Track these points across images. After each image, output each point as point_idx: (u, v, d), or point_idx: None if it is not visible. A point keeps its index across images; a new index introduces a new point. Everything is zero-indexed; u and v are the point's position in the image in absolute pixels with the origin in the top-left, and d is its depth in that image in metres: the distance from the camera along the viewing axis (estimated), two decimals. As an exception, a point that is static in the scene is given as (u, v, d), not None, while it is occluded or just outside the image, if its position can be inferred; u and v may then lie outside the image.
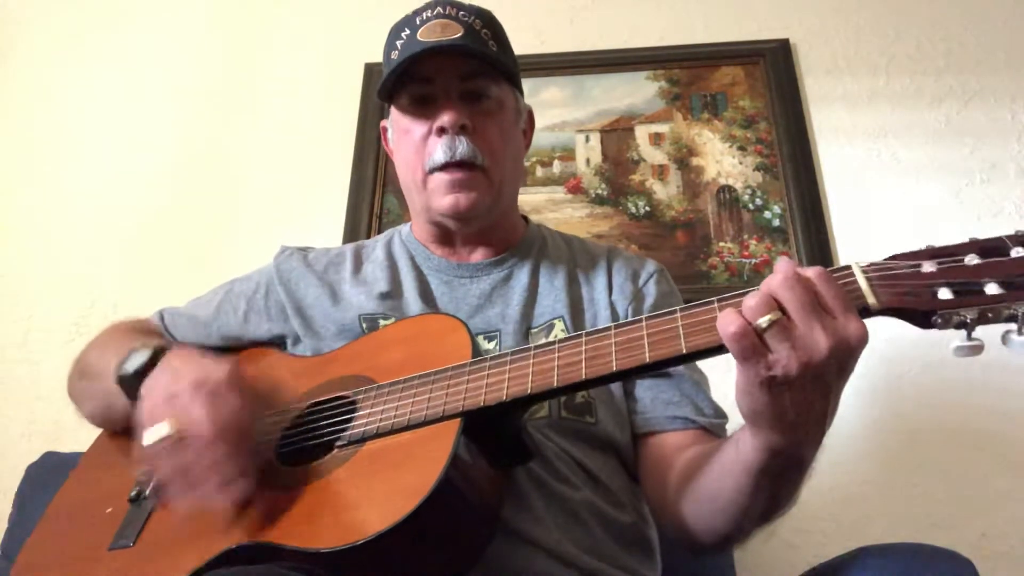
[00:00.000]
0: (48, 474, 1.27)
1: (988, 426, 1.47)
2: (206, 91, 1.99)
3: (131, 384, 0.81)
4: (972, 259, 0.57)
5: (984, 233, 0.60)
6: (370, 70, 1.92)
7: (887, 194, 1.69)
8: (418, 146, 0.97)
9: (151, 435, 0.71)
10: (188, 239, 1.82)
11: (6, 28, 2.12)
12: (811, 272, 0.58)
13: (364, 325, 0.96)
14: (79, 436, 0.98)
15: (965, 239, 0.59)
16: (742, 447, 0.67)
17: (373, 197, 1.77)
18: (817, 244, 1.62)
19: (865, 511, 1.43)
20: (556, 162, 1.81)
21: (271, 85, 1.99)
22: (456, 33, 0.93)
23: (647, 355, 0.65)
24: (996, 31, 1.82)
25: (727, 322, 0.58)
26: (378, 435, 0.72)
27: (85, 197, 1.90)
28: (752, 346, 0.57)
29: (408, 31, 0.96)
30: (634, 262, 1.06)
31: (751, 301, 0.58)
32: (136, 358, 0.83)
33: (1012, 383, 1.46)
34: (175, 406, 0.72)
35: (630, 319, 0.70)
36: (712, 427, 0.91)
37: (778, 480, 0.67)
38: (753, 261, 1.64)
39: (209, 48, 2.05)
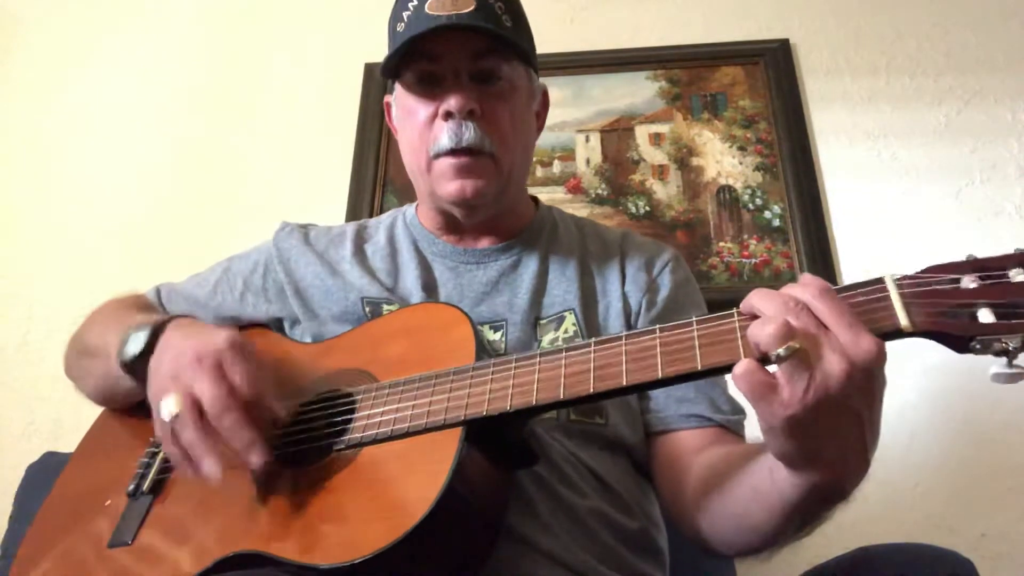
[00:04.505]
0: (48, 474, 1.26)
1: (989, 426, 1.47)
2: (206, 91, 1.99)
3: (134, 366, 0.80)
4: (1018, 274, 0.50)
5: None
6: (370, 70, 1.92)
7: (887, 194, 1.69)
8: (423, 129, 0.91)
9: (163, 409, 0.70)
10: (188, 239, 1.81)
11: (7, 28, 2.12)
12: (810, 292, 0.53)
13: (367, 309, 0.92)
14: (79, 436, 0.97)
15: (1010, 250, 0.52)
16: (778, 478, 0.61)
17: (373, 198, 1.77)
18: (817, 244, 1.62)
19: (865, 511, 1.43)
20: (556, 162, 1.81)
21: (271, 85, 1.99)
22: (468, 7, 0.86)
23: (659, 371, 0.60)
24: (996, 31, 1.82)
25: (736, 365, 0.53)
26: (376, 441, 0.71)
27: (85, 196, 1.90)
28: (763, 384, 0.52)
29: (416, 1, 0.89)
30: (648, 249, 1.01)
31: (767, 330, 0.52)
32: (136, 340, 0.81)
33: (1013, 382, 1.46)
34: (180, 384, 0.70)
35: (643, 328, 0.66)
36: (729, 424, 0.86)
37: (814, 513, 0.63)
38: (753, 261, 1.64)
39: (209, 48, 2.05)
